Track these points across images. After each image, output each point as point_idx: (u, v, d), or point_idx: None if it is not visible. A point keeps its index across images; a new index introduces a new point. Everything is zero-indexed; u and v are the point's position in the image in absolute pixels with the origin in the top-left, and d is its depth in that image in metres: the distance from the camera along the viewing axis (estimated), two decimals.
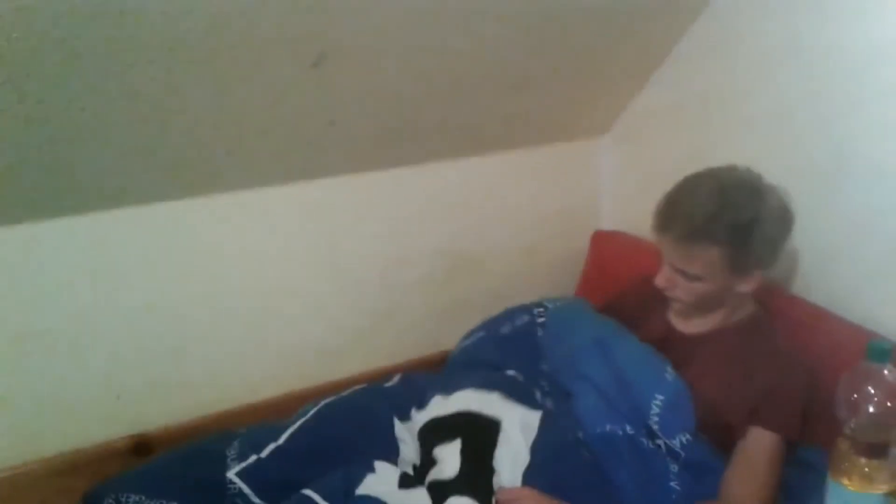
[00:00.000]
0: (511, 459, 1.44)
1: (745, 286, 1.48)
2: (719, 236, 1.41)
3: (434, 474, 1.44)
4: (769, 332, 1.53)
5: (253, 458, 1.49)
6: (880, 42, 1.47)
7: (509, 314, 1.82)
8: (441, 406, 1.57)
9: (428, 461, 1.48)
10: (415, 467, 1.51)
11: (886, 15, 1.45)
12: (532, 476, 1.42)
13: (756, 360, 1.47)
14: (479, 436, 1.48)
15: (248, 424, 1.65)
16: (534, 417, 1.53)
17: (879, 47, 1.47)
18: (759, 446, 1.39)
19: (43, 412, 1.61)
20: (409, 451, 1.54)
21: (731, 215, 1.41)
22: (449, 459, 1.44)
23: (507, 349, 1.73)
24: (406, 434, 1.57)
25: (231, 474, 1.46)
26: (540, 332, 1.76)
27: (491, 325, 1.82)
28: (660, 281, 1.51)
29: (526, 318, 1.79)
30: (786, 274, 1.68)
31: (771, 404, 1.40)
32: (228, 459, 1.49)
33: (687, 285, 1.48)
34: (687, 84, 1.92)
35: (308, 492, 1.37)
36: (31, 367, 1.58)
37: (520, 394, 1.59)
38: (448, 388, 1.61)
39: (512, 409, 1.53)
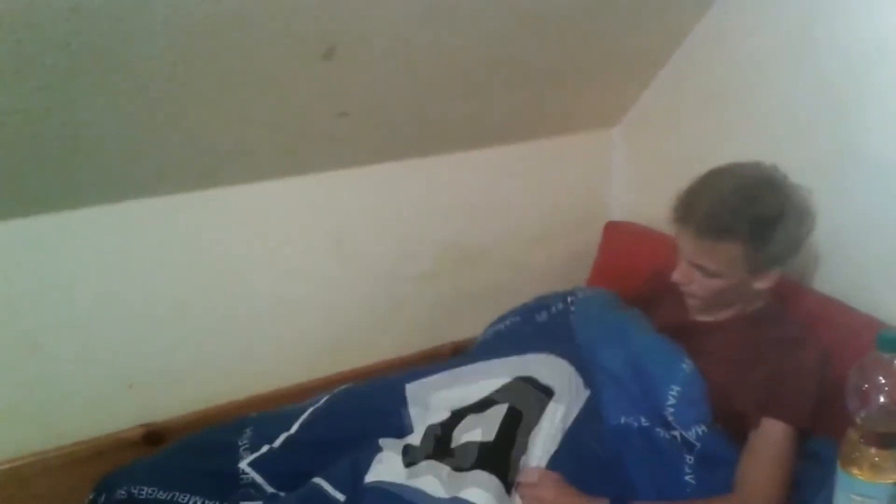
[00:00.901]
0: (544, 439, 1.44)
1: (763, 283, 1.47)
2: (741, 233, 1.39)
3: (469, 434, 1.43)
4: (782, 321, 1.52)
5: (265, 447, 1.49)
6: (887, 38, 1.47)
7: (543, 302, 1.80)
8: (504, 368, 1.56)
9: (453, 423, 1.48)
10: (429, 435, 1.49)
11: (892, 11, 1.45)
12: (559, 461, 1.42)
13: (768, 348, 1.46)
14: (526, 407, 1.46)
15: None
16: (583, 397, 1.52)
17: (886, 43, 1.47)
18: (771, 437, 1.38)
19: (55, 402, 1.62)
20: (426, 416, 1.52)
21: (753, 212, 1.40)
22: (489, 421, 1.43)
23: (545, 336, 1.70)
24: (420, 393, 1.55)
25: (244, 465, 1.47)
26: (572, 319, 1.74)
27: (525, 312, 1.79)
28: (676, 276, 1.50)
29: (561, 305, 1.78)
30: (797, 265, 1.67)
31: (782, 394, 1.39)
32: (241, 450, 1.49)
33: (704, 281, 1.47)
34: (696, 78, 1.92)
35: (318, 480, 1.38)
36: (43, 358, 1.59)
37: (580, 366, 1.57)
38: (511, 352, 1.60)
39: (569, 380, 1.52)
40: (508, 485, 1.36)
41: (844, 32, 1.54)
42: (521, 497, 1.38)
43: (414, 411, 1.55)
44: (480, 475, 1.34)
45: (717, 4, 1.79)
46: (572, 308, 1.77)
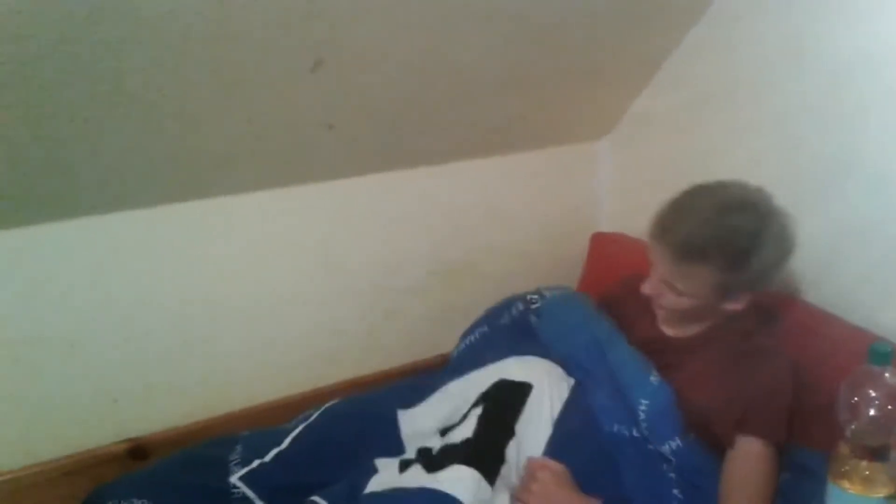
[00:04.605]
0: (535, 426, 1.44)
1: (733, 305, 1.47)
2: (714, 260, 1.39)
3: (445, 439, 1.43)
4: (751, 333, 1.52)
5: (256, 462, 1.48)
6: (880, 45, 1.48)
7: (506, 305, 1.80)
8: (478, 380, 1.56)
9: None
10: (424, 451, 1.49)
11: (886, 19, 1.46)
12: (553, 451, 1.42)
13: (738, 361, 1.46)
14: (504, 399, 1.46)
15: (245, 429, 1.63)
16: (565, 385, 1.53)
17: (880, 50, 1.48)
18: (751, 456, 1.38)
19: (40, 417, 1.60)
20: (418, 440, 1.53)
21: (729, 239, 1.39)
22: (466, 424, 1.44)
23: (511, 338, 1.71)
24: (412, 422, 1.56)
25: (234, 479, 1.45)
26: (533, 319, 1.75)
27: (491, 319, 1.80)
28: (647, 289, 1.50)
29: (521, 306, 1.78)
30: (787, 276, 1.68)
31: (757, 410, 1.39)
32: (231, 464, 1.48)
33: (674, 298, 1.47)
34: (687, 87, 1.92)
35: (315, 498, 1.37)
36: (28, 371, 1.57)
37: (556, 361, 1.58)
38: (483, 362, 1.61)
39: (546, 373, 1.52)
40: (495, 476, 1.36)
41: (837, 40, 1.55)
42: (518, 490, 1.38)
43: (405, 436, 1.55)
44: (457, 468, 1.34)
45: (709, 13, 1.80)
46: (532, 307, 1.77)
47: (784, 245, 1.43)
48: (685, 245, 1.40)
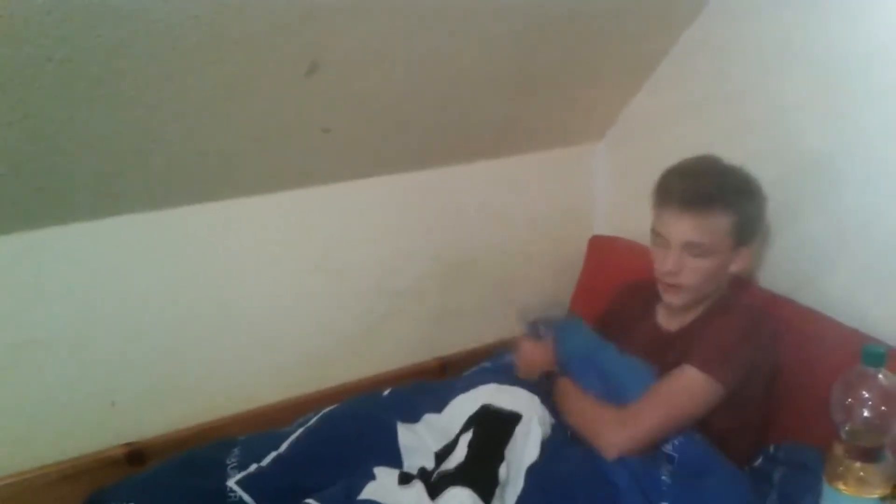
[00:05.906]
0: (520, 450, 1.46)
1: (737, 264, 1.55)
2: (730, 202, 1.49)
3: (441, 467, 1.45)
4: (732, 299, 1.58)
5: (253, 466, 1.48)
6: (875, 44, 1.49)
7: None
8: (465, 403, 1.58)
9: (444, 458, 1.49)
10: (423, 470, 1.50)
11: (881, 17, 1.47)
12: (537, 471, 1.44)
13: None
14: (493, 426, 1.49)
15: (244, 433, 1.63)
16: (548, 419, 1.56)
17: (874, 49, 1.49)
18: (676, 377, 1.45)
19: (38, 421, 1.60)
20: (415, 454, 1.54)
21: (732, 182, 1.52)
22: (458, 450, 1.45)
23: (506, 370, 1.74)
24: (411, 436, 1.57)
25: (231, 483, 1.45)
26: None
27: (495, 357, 1.85)
28: (669, 266, 1.53)
29: None
30: (780, 276, 1.68)
31: (702, 345, 1.47)
32: (228, 468, 1.48)
33: (694, 264, 1.51)
34: (683, 88, 1.93)
35: (310, 501, 1.37)
36: (26, 375, 1.57)
37: (542, 395, 1.61)
38: (469, 387, 1.63)
39: (534, 407, 1.55)
40: (490, 497, 1.36)
41: (832, 39, 1.56)
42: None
43: (403, 448, 1.56)
44: (454, 490, 1.35)
45: (704, 14, 1.80)
46: None
47: (761, 189, 1.56)
48: (699, 194, 1.49)
